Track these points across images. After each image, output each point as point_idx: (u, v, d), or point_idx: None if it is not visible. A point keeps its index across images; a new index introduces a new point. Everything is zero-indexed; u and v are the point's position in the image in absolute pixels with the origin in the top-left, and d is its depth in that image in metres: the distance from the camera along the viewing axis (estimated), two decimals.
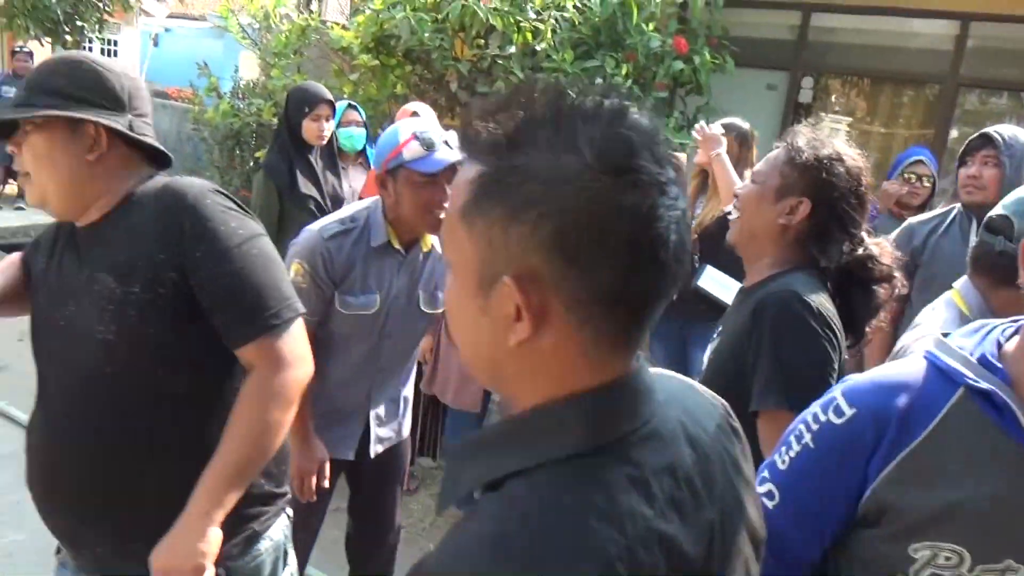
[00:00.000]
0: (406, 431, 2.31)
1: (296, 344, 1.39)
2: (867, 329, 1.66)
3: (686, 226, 0.66)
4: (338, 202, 3.45)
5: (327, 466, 2.06)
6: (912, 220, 2.87)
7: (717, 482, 0.72)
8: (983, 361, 0.98)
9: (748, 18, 5.64)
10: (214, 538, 1.29)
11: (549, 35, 4.35)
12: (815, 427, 1.05)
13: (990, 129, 2.64)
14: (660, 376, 0.76)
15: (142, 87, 1.43)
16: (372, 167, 3.69)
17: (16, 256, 1.59)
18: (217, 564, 1.31)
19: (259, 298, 1.34)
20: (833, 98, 6.10)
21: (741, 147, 3.36)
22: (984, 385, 0.96)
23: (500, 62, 4.38)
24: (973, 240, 2.64)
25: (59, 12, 9.40)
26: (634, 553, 0.60)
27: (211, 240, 1.31)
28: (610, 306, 0.65)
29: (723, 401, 0.83)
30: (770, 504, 1.06)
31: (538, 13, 4.43)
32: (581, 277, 0.63)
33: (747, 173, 2.40)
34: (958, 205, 2.73)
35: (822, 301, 1.50)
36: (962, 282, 1.74)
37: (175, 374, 1.36)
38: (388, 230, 2.00)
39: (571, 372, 0.67)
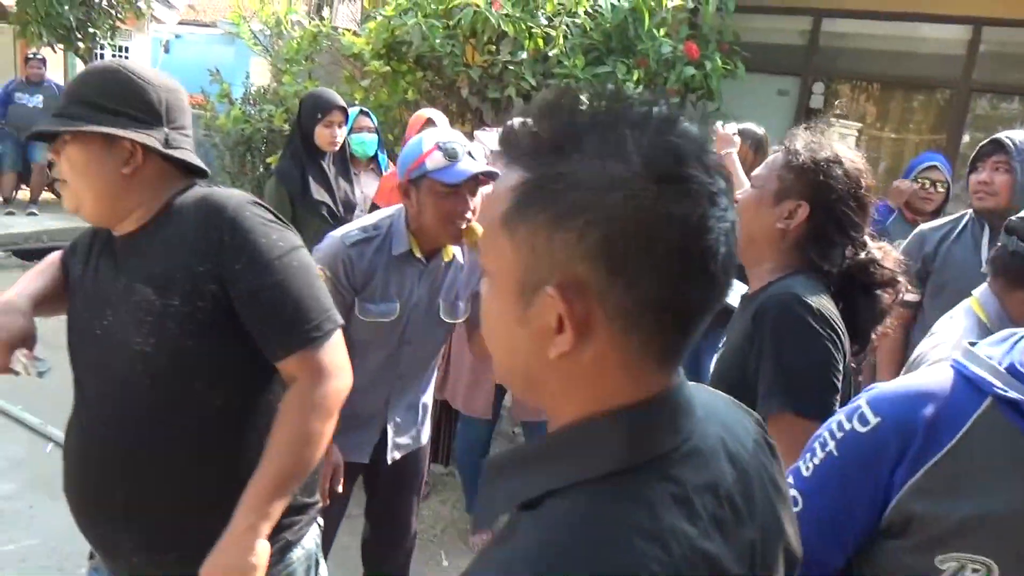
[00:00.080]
0: (425, 438, 2.30)
1: (336, 355, 1.39)
2: (873, 335, 1.64)
3: (735, 238, 0.65)
4: (350, 208, 3.45)
5: (341, 470, 2.06)
6: (924, 226, 2.86)
7: (757, 500, 0.71)
8: (1012, 370, 0.97)
9: (759, 23, 5.63)
10: (262, 551, 1.29)
11: (561, 41, 4.35)
12: (839, 435, 1.04)
13: (1001, 135, 2.63)
14: (698, 390, 0.74)
15: (182, 98, 1.42)
16: (384, 173, 3.71)
17: (56, 256, 1.59)
18: None
19: (300, 310, 1.34)
20: (844, 103, 6.08)
21: (756, 153, 3.33)
22: (1013, 395, 0.95)
23: (511, 68, 4.39)
24: (985, 246, 2.65)
25: (72, 19, 9.44)
26: (679, 573, 0.59)
27: (251, 253, 1.31)
28: (656, 318, 0.63)
29: (757, 416, 0.81)
30: (794, 510, 1.06)
31: (549, 19, 4.44)
32: (628, 287, 0.61)
33: None
34: (970, 211, 2.72)
35: (823, 302, 1.48)
36: (981, 290, 1.73)
37: (212, 386, 1.36)
38: (410, 239, 2.00)
39: (613, 386, 0.65)
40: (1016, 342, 1.01)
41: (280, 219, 1.40)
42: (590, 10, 4.54)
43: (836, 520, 1.03)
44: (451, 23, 4.49)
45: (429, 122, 3.16)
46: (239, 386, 1.39)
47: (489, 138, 2.98)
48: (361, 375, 2.02)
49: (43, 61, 8.44)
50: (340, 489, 2.07)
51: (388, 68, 4.74)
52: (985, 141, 2.68)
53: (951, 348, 1.62)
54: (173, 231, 1.35)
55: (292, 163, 3.35)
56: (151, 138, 1.34)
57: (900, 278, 1.60)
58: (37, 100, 8.18)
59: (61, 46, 9.83)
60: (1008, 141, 2.58)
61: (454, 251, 2.09)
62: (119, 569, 1.47)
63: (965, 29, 5.30)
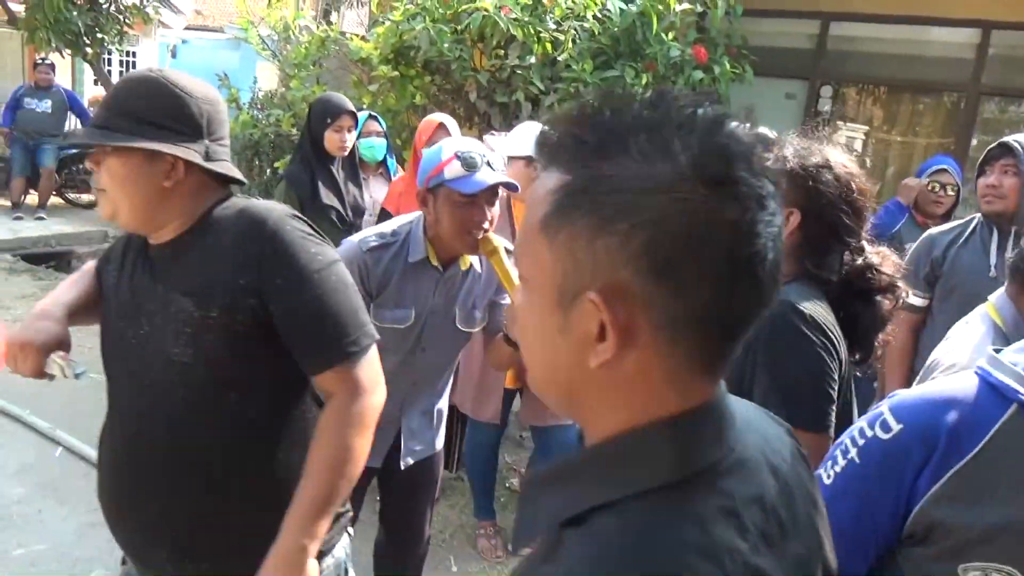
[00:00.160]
0: (439, 444, 2.30)
1: (372, 370, 1.40)
2: (876, 343, 1.61)
3: (782, 243, 0.62)
4: (359, 213, 3.46)
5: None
6: (933, 230, 2.85)
7: (799, 513, 0.69)
8: None
9: (767, 27, 5.63)
10: (312, 570, 1.30)
11: (569, 45, 4.35)
12: (861, 442, 1.03)
13: (1009, 138, 2.63)
14: (734, 400, 0.72)
15: (221, 109, 1.42)
16: (392, 177, 3.71)
17: (90, 266, 1.60)
18: None
19: (338, 325, 1.34)
20: (852, 107, 6.07)
21: None
22: None
23: (519, 72, 4.39)
24: (993, 250, 2.64)
25: (80, 25, 9.48)
26: None
27: (291, 267, 1.32)
28: (703, 326, 0.60)
29: (788, 426, 0.80)
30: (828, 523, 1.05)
31: (558, 23, 4.44)
32: (674, 294, 0.59)
33: None
34: (979, 215, 2.71)
35: (817, 309, 1.46)
36: (997, 295, 1.72)
37: (246, 397, 1.37)
38: (427, 247, 2.00)
39: (656, 396, 0.62)
40: None
41: (318, 232, 1.41)
42: (598, 14, 4.54)
43: (858, 528, 1.02)
44: (459, 28, 4.49)
45: (441, 127, 3.16)
46: (272, 398, 1.40)
47: (497, 142, 2.97)
48: None
49: (52, 66, 8.49)
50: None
51: (396, 73, 4.74)
52: (993, 145, 2.68)
53: (966, 353, 1.61)
54: (212, 242, 1.35)
55: (302, 167, 3.35)
56: (193, 152, 1.34)
57: (900, 283, 1.58)
58: (46, 105, 8.22)
59: (69, 51, 9.88)
60: (1016, 144, 2.58)
61: (471, 260, 2.08)
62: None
63: (974, 32, 5.29)
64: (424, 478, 2.28)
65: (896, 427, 1.00)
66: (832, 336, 1.45)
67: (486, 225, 1.91)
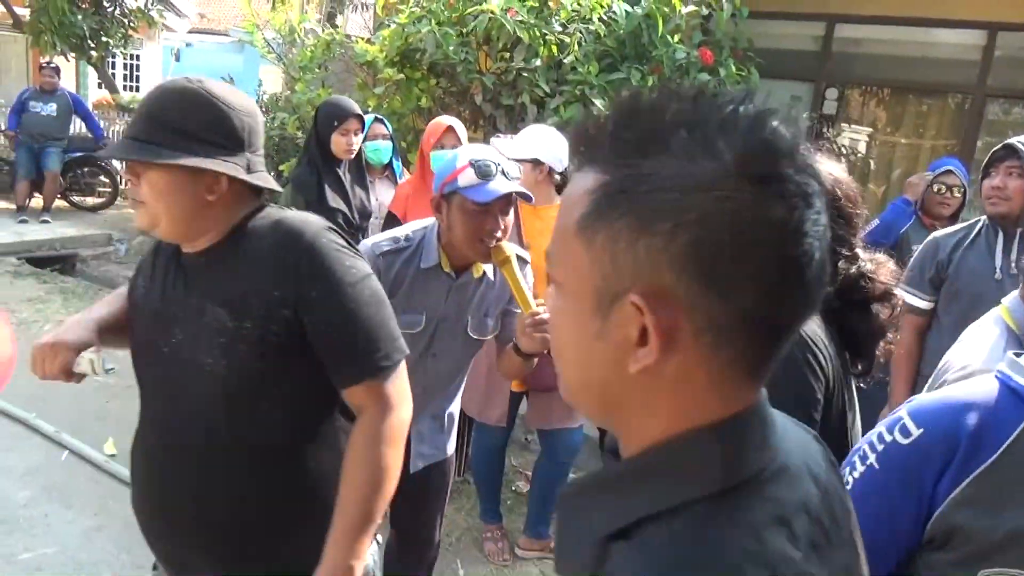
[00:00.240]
0: (450, 449, 2.29)
1: (402, 384, 1.42)
2: (877, 352, 1.59)
3: (827, 243, 0.60)
4: (366, 216, 3.45)
5: None
6: (937, 233, 2.85)
7: (840, 521, 0.67)
8: None
9: (772, 29, 5.62)
10: None
11: (575, 48, 4.35)
12: (880, 447, 1.03)
13: (1014, 140, 2.62)
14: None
15: (260, 120, 1.42)
16: (399, 180, 3.70)
17: (124, 289, 1.61)
18: None
19: (371, 339, 1.36)
20: (857, 109, 6.06)
21: None
22: None
23: (525, 75, 4.39)
24: (999, 252, 2.63)
25: (85, 28, 9.53)
26: None
27: (327, 280, 1.33)
28: (748, 330, 0.58)
29: (814, 432, 0.78)
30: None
31: (563, 26, 4.44)
32: (719, 296, 0.56)
33: None
34: (984, 217, 2.71)
35: (808, 324, 1.44)
36: (1011, 298, 1.71)
37: (278, 407, 1.38)
38: (440, 253, 1.99)
39: (698, 402, 0.60)
40: None
41: (352, 245, 1.42)
42: (604, 17, 4.54)
43: (878, 534, 1.01)
44: (465, 30, 4.49)
45: (449, 129, 3.15)
46: (303, 408, 1.42)
47: (504, 145, 2.97)
48: None
49: (56, 70, 8.50)
50: None
51: (401, 75, 4.74)
52: (998, 146, 2.68)
53: (980, 357, 1.60)
54: (247, 253, 1.36)
55: (308, 170, 3.35)
56: (237, 167, 1.34)
57: (896, 291, 1.56)
58: (51, 108, 8.23)
59: (74, 55, 9.91)
60: (1021, 146, 2.57)
61: (485, 268, 2.07)
62: None
63: (980, 34, 5.28)
64: (435, 483, 2.27)
65: (916, 431, 0.99)
66: (816, 351, 1.42)
67: (499, 234, 1.91)
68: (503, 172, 1.89)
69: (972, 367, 1.55)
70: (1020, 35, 5.17)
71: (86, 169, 9.12)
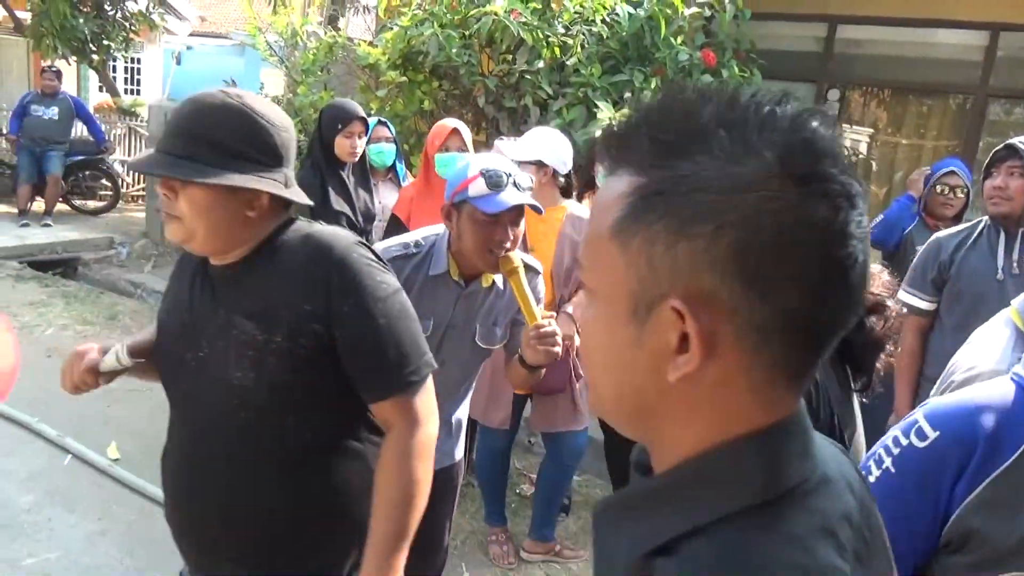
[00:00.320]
0: (458, 455, 2.28)
1: (429, 399, 1.43)
2: (877, 366, 1.58)
3: (869, 245, 0.59)
4: (370, 218, 3.45)
5: None
6: (940, 234, 2.85)
7: (876, 531, 0.66)
8: None
9: (774, 30, 5.62)
10: None
11: (578, 50, 4.35)
12: (896, 451, 1.02)
13: (1015, 140, 2.63)
14: None
15: (294, 136, 1.42)
16: (402, 183, 3.70)
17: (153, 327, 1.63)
18: None
19: (400, 354, 1.36)
20: (859, 110, 6.06)
21: None
22: None
23: (528, 77, 4.39)
24: (1000, 252, 2.63)
25: (86, 32, 9.55)
26: None
27: (358, 294, 1.33)
28: (790, 333, 0.56)
29: (838, 444, 0.77)
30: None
31: (566, 28, 4.44)
32: (762, 300, 0.54)
33: None
34: (986, 217, 2.70)
35: None
36: (1021, 299, 1.70)
37: (305, 420, 1.38)
38: (449, 261, 1.99)
39: (739, 410, 0.58)
40: None
41: (380, 259, 1.42)
42: (607, 19, 4.54)
43: (895, 538, 1.00)
44: (467, 32, 4.49)
45: (454, 132, 3.14)
46: (330, 422, 1.42)
47: (507, 147, 2.96)
48: None
49: (58, 73, 8.50)
50: None
51: (404, 78, 4.74)
52: (999, 146, 2.68)
53: (990, 358, 1.59)
54: (277, 266, 1.36)
55: (312, 173, 3.35)
56: (277, 184, 1.34)
57: (888, 302, 1.54)
58: (52, 112, 8.23)
59: (75, 58, 9.92)
60: (1022, 146, 2.57)
61: (494, 277, 2.07)
62: None
63: (982, 35, 5.28)
64: (443, 488, 2.26)
65: (932, 434, 0.99)
66: None
67: (508, 245, 1.90)
68: (514, 183, 1.88)
69: (979, 368, 1.55)
70: (1022, 35, 5.16)
71: (88, 173, 9.12)
